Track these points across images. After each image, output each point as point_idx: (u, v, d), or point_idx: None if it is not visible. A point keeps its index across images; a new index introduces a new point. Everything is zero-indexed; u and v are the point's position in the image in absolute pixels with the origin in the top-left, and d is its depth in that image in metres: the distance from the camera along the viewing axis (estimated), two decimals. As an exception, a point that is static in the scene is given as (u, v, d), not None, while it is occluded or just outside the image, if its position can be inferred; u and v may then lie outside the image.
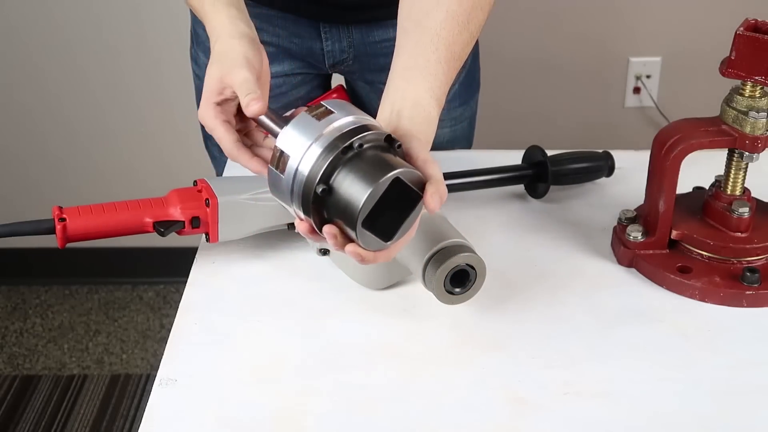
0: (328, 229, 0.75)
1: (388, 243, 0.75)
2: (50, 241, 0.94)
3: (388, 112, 0.84)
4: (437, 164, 0.78)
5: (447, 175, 1.11)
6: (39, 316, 2.37)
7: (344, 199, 0.73)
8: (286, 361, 0.88)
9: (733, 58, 0.91)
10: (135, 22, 2.11)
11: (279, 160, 0.76)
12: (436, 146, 1.29)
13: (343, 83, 1.37)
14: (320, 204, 0.75)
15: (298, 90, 1.29)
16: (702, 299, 0.96)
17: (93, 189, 2.31)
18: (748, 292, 0.94)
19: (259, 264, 1.02)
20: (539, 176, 1.13)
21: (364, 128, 0.75)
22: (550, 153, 1.13)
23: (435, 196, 0.75)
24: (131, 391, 2.10)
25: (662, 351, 0.89)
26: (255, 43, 0.92)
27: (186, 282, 1.00)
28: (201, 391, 0.85)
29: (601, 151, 1.17)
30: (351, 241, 0.75)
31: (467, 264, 0.90)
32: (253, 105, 0.85)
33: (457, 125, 1.35)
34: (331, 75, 1.35)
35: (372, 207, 0.72)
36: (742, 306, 0.95)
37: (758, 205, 1.01)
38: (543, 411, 0.82)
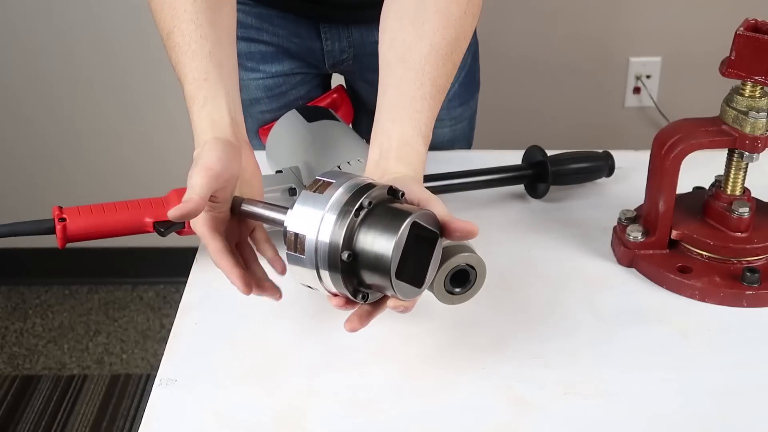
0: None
1: (422, 288, 0.77)
2: (50, 241, 0.94)
3: (377, 155, 0.86)
4: (438, 199, 0.80)
5: (447, 175, 1.11)
6: (39, 316, 2.37)
7: (372, 258, 0.73)
8: (286, 361, 0.88)
9: (733, 58, 0.91)
10: (135, 23, 2.11)
11: (295, 243, 0.75)
12: (437, 146, 1.30)
13: (343, 83, 1.37)
14: (350, 272, 0.75)
15: (297, 90, 1.29)
16: (702, 299, 0.96)
17: (93, 189, 2.31)
18: (748, 292, 0.94)
19: (259, 264, 1.02)
20: (539, 176, 1.13)
21: (367, 187, 0.76)
22: (550, 153, 1.13)
23: (456, 233, 0.78)
24: (131, 391, 2.10)
25: (662, 351, 0.89)
26: (227, 144, 0.85)
27: (186, 282, 1.00)
28: (201, 391, 0.85)
29: (601, 151, 1.17)
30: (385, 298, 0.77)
31: (467, 264, 0.90)
32: (174, 211, 0.79)
33: (457, 125, 1.35)
34: (330, 75, 1.35)
35: (400, 256, 0.73)
36: (742, 306, 0.95)
37: (758, 205, 1.01)
38: (543, 411, 0.82)
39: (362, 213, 0.74)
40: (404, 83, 0.88)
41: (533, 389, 0.84)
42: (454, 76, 0.91)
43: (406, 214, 0.73)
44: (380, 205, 0.75)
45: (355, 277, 0.76)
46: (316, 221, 0.74)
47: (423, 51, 0.88)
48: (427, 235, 0.76)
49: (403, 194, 0.78)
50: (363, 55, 1.26)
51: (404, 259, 0.73)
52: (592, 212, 1.11)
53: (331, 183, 0.76)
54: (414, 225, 0.73)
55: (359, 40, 1.24)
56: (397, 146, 0.85)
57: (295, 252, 0.75)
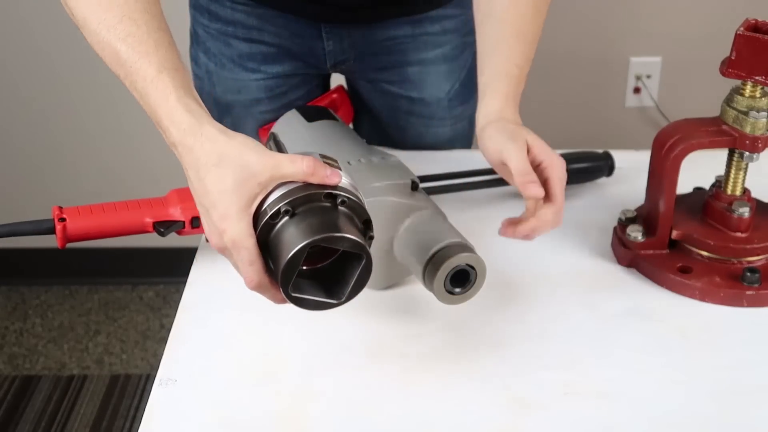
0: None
1: (334, 300, 0.75)
2: (50, 241, 0.94)
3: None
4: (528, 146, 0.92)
5: (447, 176, 1.11)
6: (39, 316, 2.37)
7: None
8: (286, 361, 0.88)
9: (733, 58, 0.91)
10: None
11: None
12: (437, 146, 1.30)
13: (344, 83, 1.37)
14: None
15: (298, 90, 1.29)
16: (702, 299, 0.96)
17: (93, 189, 2.31)
18: (748, 292, 0.94)
19: (259, 264, 1.02)
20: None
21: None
22: (550, 153, 1.13)
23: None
24: (131, 391, 2.10)
25: (662, 351, 0.89)
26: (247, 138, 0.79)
27: (186, 282, 1.00)
28: (201, 391, 0.85)
29: (601, 151, 1.17)
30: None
31: (467, 264, 0.90)
32: (335, 177, 0.75)
33: (458, 124, 1.35)
34: (330, 75, 1.35)
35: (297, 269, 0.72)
36: (742, 306, 0.95)
37: (758, 205, 1.01)
38: (543, 411, 0.82)
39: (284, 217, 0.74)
40: (485, 37, 0.98)
41: (533, 389, 0.84)
42: (541, 23, 0.99)
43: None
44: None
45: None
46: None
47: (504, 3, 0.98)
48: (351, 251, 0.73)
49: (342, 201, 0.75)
50: (364, 55, 1.26)
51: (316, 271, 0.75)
52: (592, 212, 1.11)
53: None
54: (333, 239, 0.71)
55: (361, 40, 1.24)
56: (489, 90, 0.96)
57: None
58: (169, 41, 0.82)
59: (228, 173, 0.73)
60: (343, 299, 0.75)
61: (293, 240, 0.71)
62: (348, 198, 0.75)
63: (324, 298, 0.75)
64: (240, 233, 0.73)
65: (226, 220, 0.73)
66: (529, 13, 0.98)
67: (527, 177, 0.90)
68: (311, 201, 0.74)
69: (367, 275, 0.74)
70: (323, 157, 0.77)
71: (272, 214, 0.73)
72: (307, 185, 0.74)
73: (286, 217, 0.73)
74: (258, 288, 0.76)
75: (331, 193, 0.74)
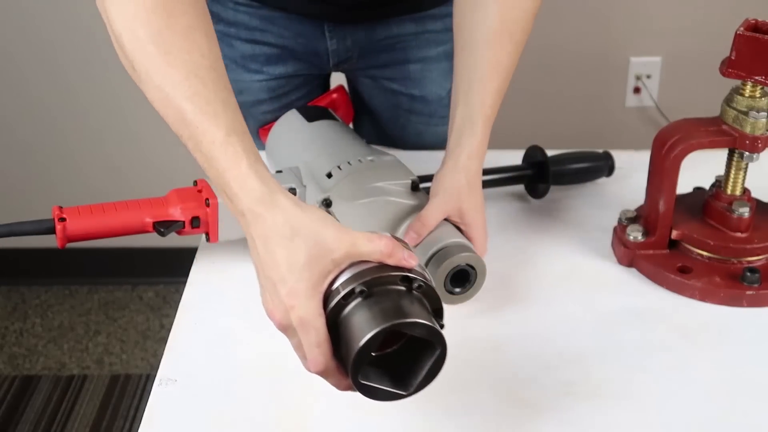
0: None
1: (404, 392, 0.70)
2: (50, 241, 0.94)
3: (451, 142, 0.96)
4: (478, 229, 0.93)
5: (447, 175, 1.11)
6: (39, 316, 2.37)
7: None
8: (286, 361, 0.88)
9: (733, 58, 0.91)
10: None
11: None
12: (437, 146, 1.30)
13: (344, 83, 1.37)
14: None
15: (299, 90, 1.29)
16: (702, 299, 0.96)
17: (93, 189, 2.31)
18: (748, 292, 0.94)
19: (259, 264, 1.02)
20: (539, 176, 1.13)
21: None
22: (550, 153, 1.13)
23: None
24: (131, 391, 2.10)
25: (662, 351, 0.89)
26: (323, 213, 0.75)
27: (186, 282, 1.00)
28: (201, 391, 0.85)
29: (601, 151, 1.17)
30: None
31: (467, 264, 0.90)
32: (412, 260, 0.72)
33: (458, 124, 1.35)
34: (330, 74, 1.35)
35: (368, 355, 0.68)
36: (742, 306, 0.95)
37: (758, 205, 1.01)
38: (543, 411, 0.82)
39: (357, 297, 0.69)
40: (462, 67, 0.95)
41: (533, 389, 0.84)
42: (518, 55, 0.97)
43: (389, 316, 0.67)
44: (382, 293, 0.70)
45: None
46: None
47: (482, 33, 0.95)
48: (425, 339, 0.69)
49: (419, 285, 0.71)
50: (367, 53, 1.26)
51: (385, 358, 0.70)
52: (592, 212, 1.11)
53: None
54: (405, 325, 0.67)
55: (364, 39, 1.24)
56: (457, 128, 0.95)
57: None
58: (235, 102, 0.78)
59: (301, 247, 0.70)
60: (412, 390, 0.70)
61: (367, 324, 0.67)
62: (423, 283, 0.70)
63: (392, 387, 0.69)
64: (309, 311, 0.69)
65: (296, 296, 0.69)
66: (512, 50, 0.96)
67: (416, 229, 0.92)
68: (386, 283, 0.69)
69: (440, 366, 0.69)
70: (395, 238, 0.73)
71: (345, 294, 0.69)
72: (382, 266, 0.70)
73: (359, 299, 0.68)
74: (323, 372, 0.71)
75: (407, 277, 0.70)
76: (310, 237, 0.70)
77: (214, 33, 0.81)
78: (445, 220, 0.94)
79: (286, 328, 0.72)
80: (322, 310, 0.70)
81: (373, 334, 0.66)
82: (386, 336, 0.68)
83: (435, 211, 0.92)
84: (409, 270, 0.70)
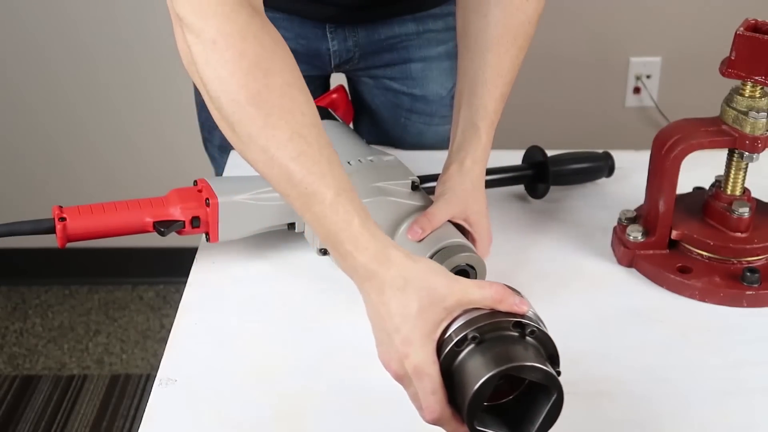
0: None
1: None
2: (50, 241, 0.94)
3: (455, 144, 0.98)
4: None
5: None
6: (39, 316, 2.37)
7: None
8: (286, 361, 0.88)
9: (733, 58, 0.91)
10: (138, 22, 2.11)
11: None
12: (437, 146, 1.30)
13: (344, 83, 1.37)
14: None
15: (300, 91, 1.29)
16: (702, 299, 0.96)
17: (93, 188, 2.30)
18: (748, 292, 0.94)
19: (259, 264, 1.02)
20: (539, 176, 1.13)
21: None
22: (550, 153, 1.13)
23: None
24: (131, 391, 2.10)
25: (662, 351, 0.89)
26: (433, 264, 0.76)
27: (186, 282, 1.00)
28: (201, 391, 0.85)
29: (601, 151, 1.17)
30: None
31: (467, 264, 0.90)
32: (524, 306, 0.72)
33: (458, 124, 1.35)
34: (330, 75, 1.35)
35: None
36: (742, 306, 0.95)
37: (758, 205, 1.01)
38: (543, 411, 0.81)
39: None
40: (465, 72, 0.97)
41: (533, 389, 0.84)
42: (521, 59, 0.98)
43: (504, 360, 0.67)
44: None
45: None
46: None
47: (486, 38, 0.96)
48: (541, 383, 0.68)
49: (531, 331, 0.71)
50: (369, 53, 1.26)
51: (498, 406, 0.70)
52: (592, 212, 1.11)
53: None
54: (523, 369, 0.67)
55: (365, 39, 1.24)
56: (461, 133, 0.97)
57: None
58: (337, 158, 0.79)
59: (413, 297, 0.71)
60: None
61: (481, 369, 0.67)
62: (537, 328, 0.70)
63: None
64: (424, 359, 0.70)
65: (410, 345, 0.70)
66: (515, 54, 0.98)
67: (422, 224, 0.92)
68: (499, 329, 0.70)
69: (558, 412, 0.69)
70: (506, 285, 0.73)
71: (458, 340, 0.69)
72: (494, 312, 0.70)
73: (473, 345, 0.69)
74: (439, 420, 0.71)
75: (519, 322, 0.70)
76: (421, 286, 0.71)
77: (307, 87, 0.80)
78: (449, 221, 0.94)
79: (402, 378, 0.72)
80: (435, 358, 0.70)
81: (487, 377, 0.66)
82: (502, 384, 0.68)
83: (442, 210, 0.93)
84: (522, 316, 0.71)
